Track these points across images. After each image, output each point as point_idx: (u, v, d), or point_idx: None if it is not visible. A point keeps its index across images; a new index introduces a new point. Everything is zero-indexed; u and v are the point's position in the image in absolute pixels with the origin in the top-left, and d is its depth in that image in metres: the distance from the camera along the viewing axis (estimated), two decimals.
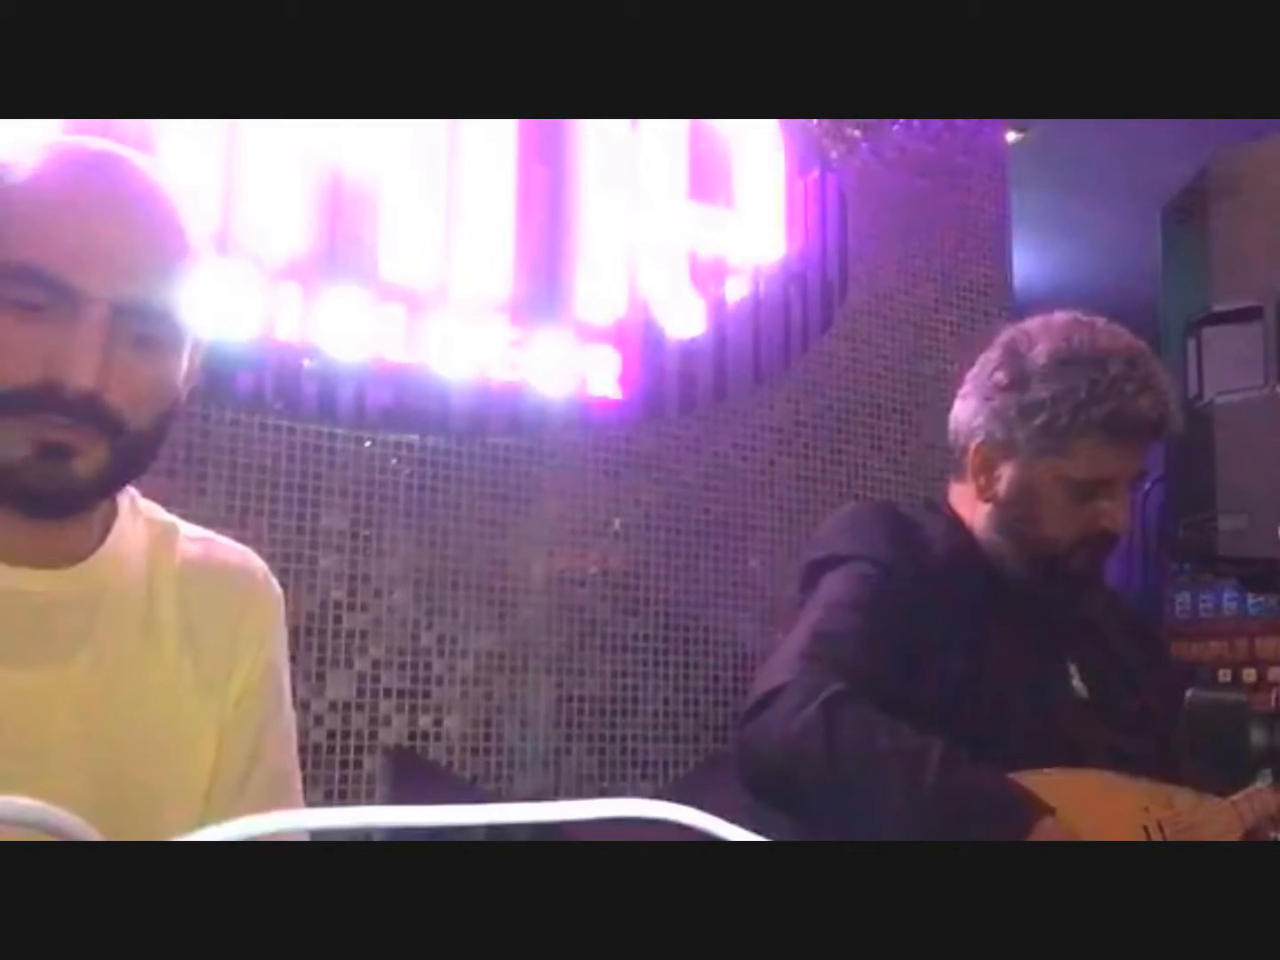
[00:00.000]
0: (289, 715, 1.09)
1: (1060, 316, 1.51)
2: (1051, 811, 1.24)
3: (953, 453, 1.55)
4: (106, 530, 0.99)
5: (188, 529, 1.06)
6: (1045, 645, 1.49)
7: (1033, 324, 1.51)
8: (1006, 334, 1.53)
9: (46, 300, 0.88)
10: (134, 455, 0.94)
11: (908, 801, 1.23)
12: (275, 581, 1.10)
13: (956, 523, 1.54)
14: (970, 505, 1.53)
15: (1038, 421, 1.43)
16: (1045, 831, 1.22)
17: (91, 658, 0.95)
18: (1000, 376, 1.47)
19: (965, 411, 1.52)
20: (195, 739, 1.00)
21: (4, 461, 0.89)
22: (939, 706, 1.35)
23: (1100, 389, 1.41)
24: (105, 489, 0.96)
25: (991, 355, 1.51)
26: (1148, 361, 1.46)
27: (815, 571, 1.47)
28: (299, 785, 1.07)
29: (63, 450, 0.89)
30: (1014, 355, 1.48)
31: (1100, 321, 1.50)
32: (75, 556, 0.97)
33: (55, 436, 0.88)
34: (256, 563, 1.09)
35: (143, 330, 0.91)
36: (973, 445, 1.50)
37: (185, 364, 0.97)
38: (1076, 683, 1.49)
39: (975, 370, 1.53)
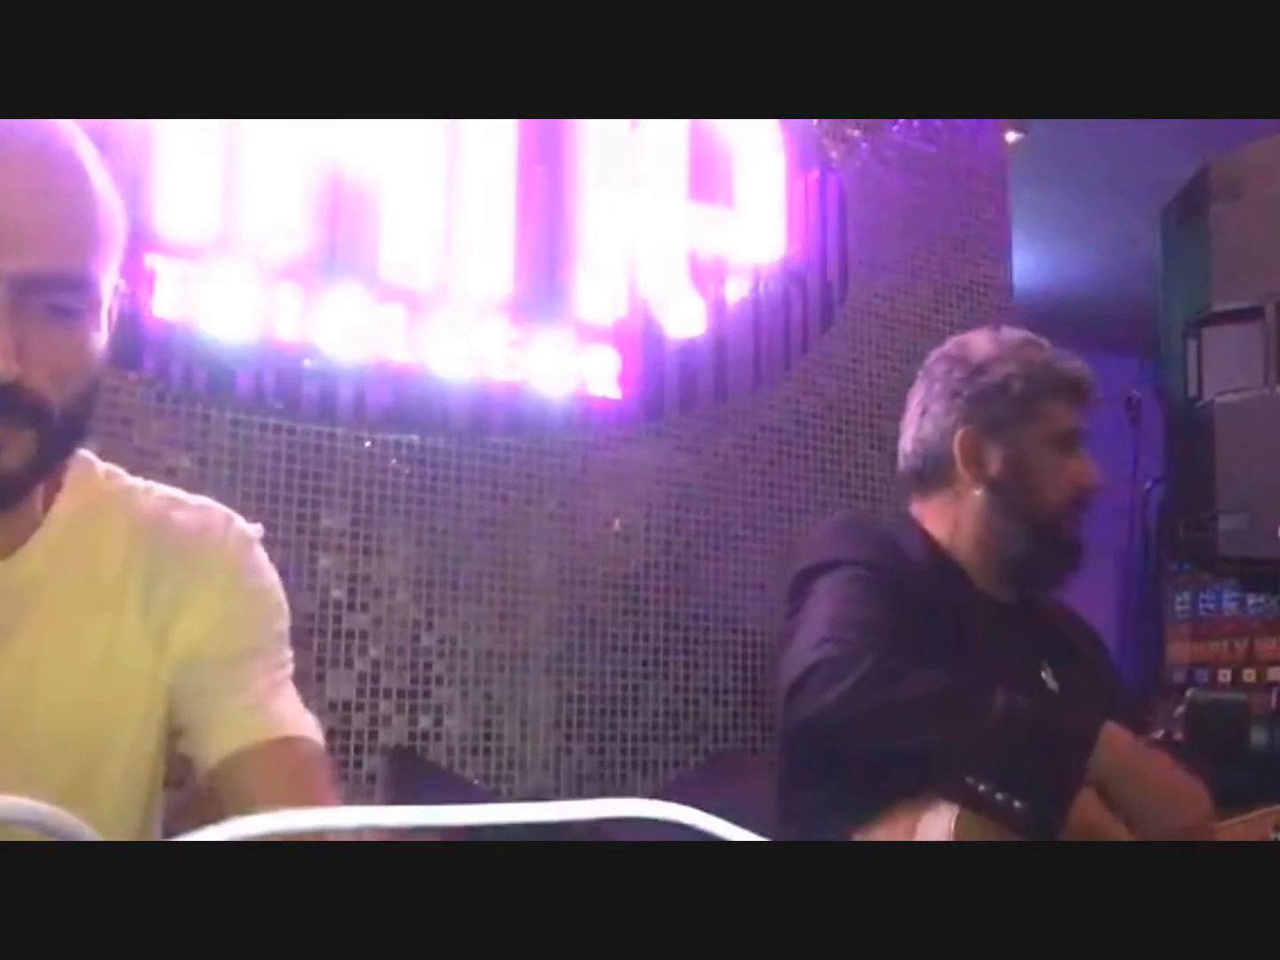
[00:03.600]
0: (279, 657, 1.00)
1: (973, 332, 1.66)
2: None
3: (921, 475, 1.63)
4: (49, 506, 0.94)
5: (153, 490, 1.00)
6: (1018, 643, 1.56)
7: (954, 340, 1.65)
8: (934, 356, 1.65)
9: None
10: (63, 436, 0.88)
11: (982, 730, 1.30)
12: (241, 524, 1.02)
13: (926, 535, 1.61)
14: (941, 517, 1.61)
15: (1014, 391, 1.56)
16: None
17: (28, 639, 0.90)
18: (958, 374, 1.60)
19: (932, 421, 1.62)
20: (126, 688, 0.94)
21: None
22: None
23: (1043, 361, 1.59)
24: (37, 476, 0.90)
25: (938, 368, 1.63)
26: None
27: (806, 579, 1.51)
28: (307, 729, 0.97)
29: None
30: (960, 358, 1.61)
31: None
32: (12, 543, 0.92)
33: None
34: (216, 515, 1.01)
35: (54, 301, 0.84)
36: (956, 438, 1.58)
37: (106, 332, 0.90)
38: (1047, 678, 1.55)
39: (922, 393, 1.64)
